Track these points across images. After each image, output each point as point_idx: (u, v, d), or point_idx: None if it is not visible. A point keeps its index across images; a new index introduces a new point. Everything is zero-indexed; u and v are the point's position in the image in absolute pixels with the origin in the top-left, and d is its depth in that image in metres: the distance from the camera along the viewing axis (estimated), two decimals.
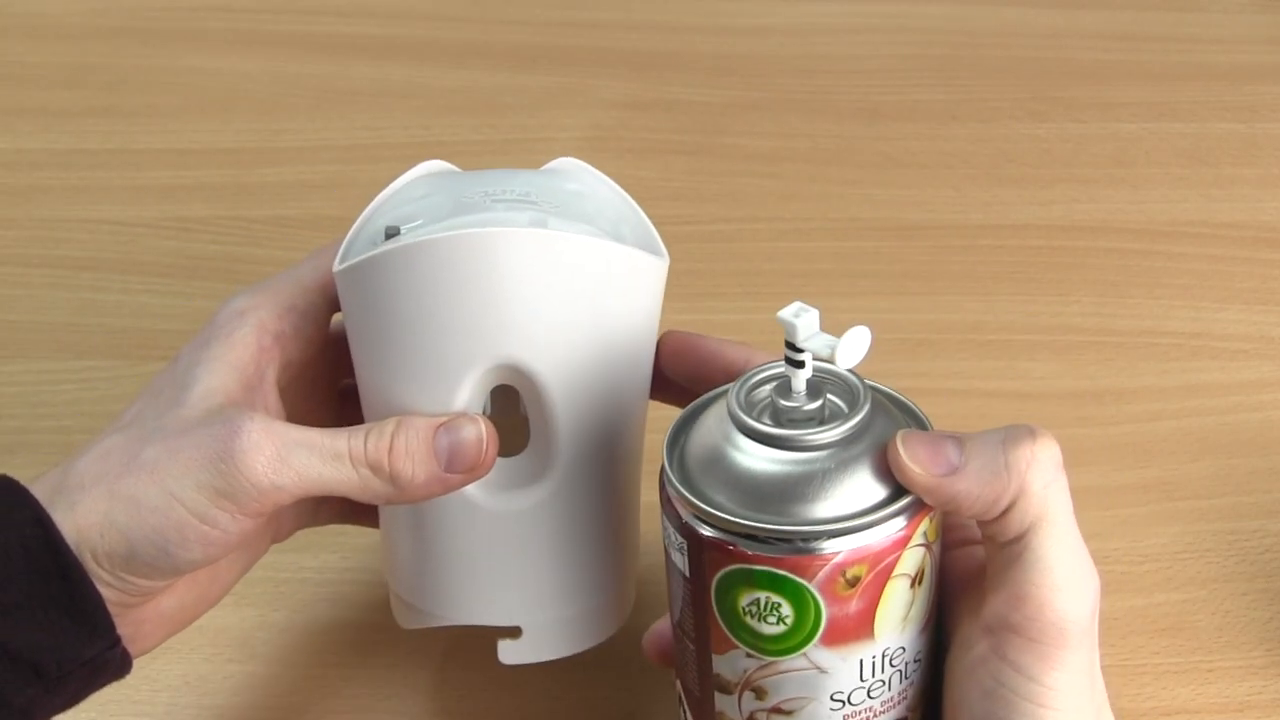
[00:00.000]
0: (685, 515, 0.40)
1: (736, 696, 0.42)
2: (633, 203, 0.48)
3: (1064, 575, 0.39)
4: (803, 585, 0.39)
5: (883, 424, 0.41)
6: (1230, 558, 0.60)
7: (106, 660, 0.42)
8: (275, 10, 0.97)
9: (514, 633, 0.48)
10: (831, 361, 0.39)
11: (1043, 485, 0.39)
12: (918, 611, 0.41)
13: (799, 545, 0.39)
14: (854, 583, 0.39)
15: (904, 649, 0.41)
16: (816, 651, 0.40)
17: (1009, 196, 0.80)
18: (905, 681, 0.42)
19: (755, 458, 0.40)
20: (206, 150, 0.84)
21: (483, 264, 0.42)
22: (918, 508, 0.39)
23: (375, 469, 0.43)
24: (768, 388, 0.41)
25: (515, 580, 0.47)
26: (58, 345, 0.71)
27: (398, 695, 0.55)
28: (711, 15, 0.97)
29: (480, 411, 0.45)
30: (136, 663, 0.55)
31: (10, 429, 0.66)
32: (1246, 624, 0.57)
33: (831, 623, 0.39)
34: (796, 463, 0.39)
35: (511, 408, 0.46)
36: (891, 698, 0.41)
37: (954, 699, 0.41)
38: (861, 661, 0.40)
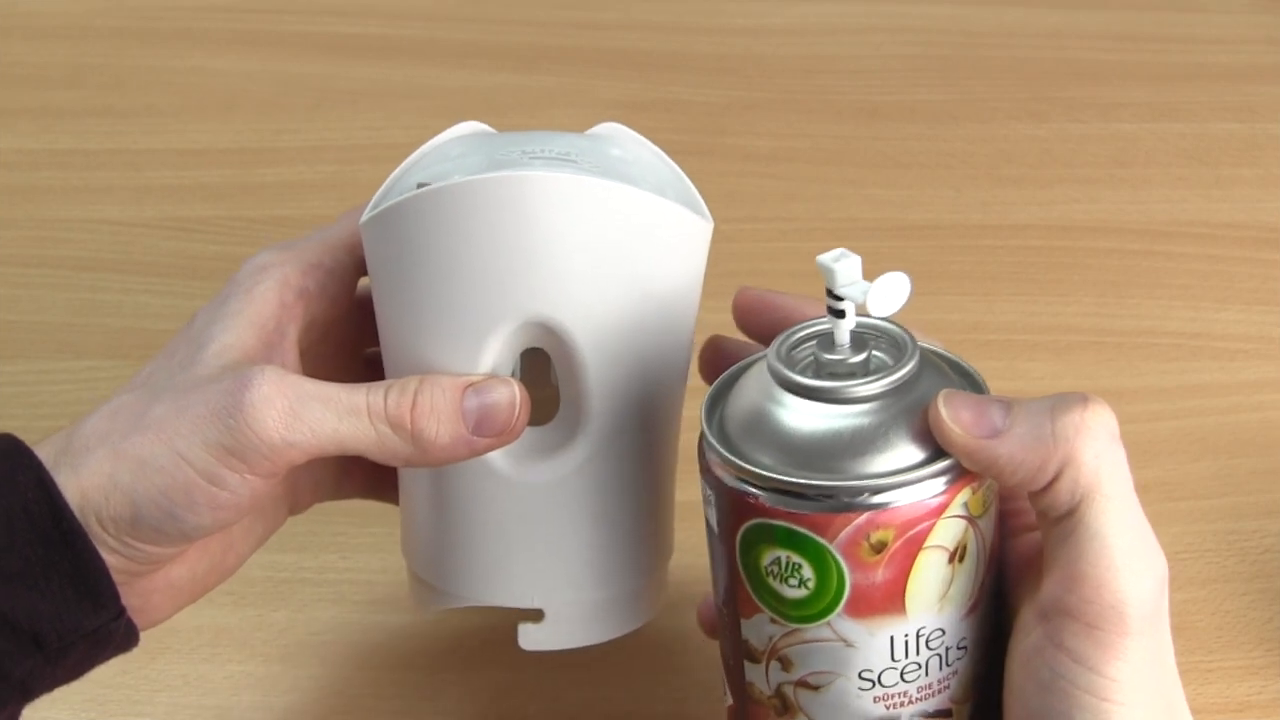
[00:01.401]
0: (713, 465, 0.39)
1: (764, 666, 0.40)
2: (678, 170, 0.46)
3: (1123, 553, 0.36)
4: (823, 546, 0.37)
5: (931, 384, 0.38)
6: (1230, 558, 0.60)
7: (110, 632, 0.40)
8: (275, 10, 0.97)
9: (535, 616, 0.45)
10: (864, 308, 0.37)
11: (1094, 455, 0.36)
12: (959, 591, 0.38)
13: (818, 501, 0.37)
14: (879, 548, 0.37)
15: (943, 631, 0.39)
16: (841, 622, 0.38)
17: (1009, 196, 0.80)
18: (947, 669, 0.39)
19: (790, 410, 0.38)
20: (206, 150, 0.84)
21: (515, 210, 0.40)
22: (958, 475, 0.37)
23: (396, 426, 0.40)
24: (813, 344, 0.40)
25: (538, 558, 0.44)
26: (58, 345, 0.71)
27: (398, 695, 0.55)
28: (711, 15, 0.97)
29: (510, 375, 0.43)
30: (136, 663, 0.55)
31: (10, 429, 0.66)
32: (1246, 624, 0.57)
33: (856, 591, 0.37)
34: (830, 416, 0.37)
35: (542, 378, 0.44)
36: (930, 684, 0.39)
37: (1011, 691, 0.38)
38: (893, 639, 0.38)
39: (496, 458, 0.43)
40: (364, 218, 0.43)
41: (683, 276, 0.44)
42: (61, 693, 0.54)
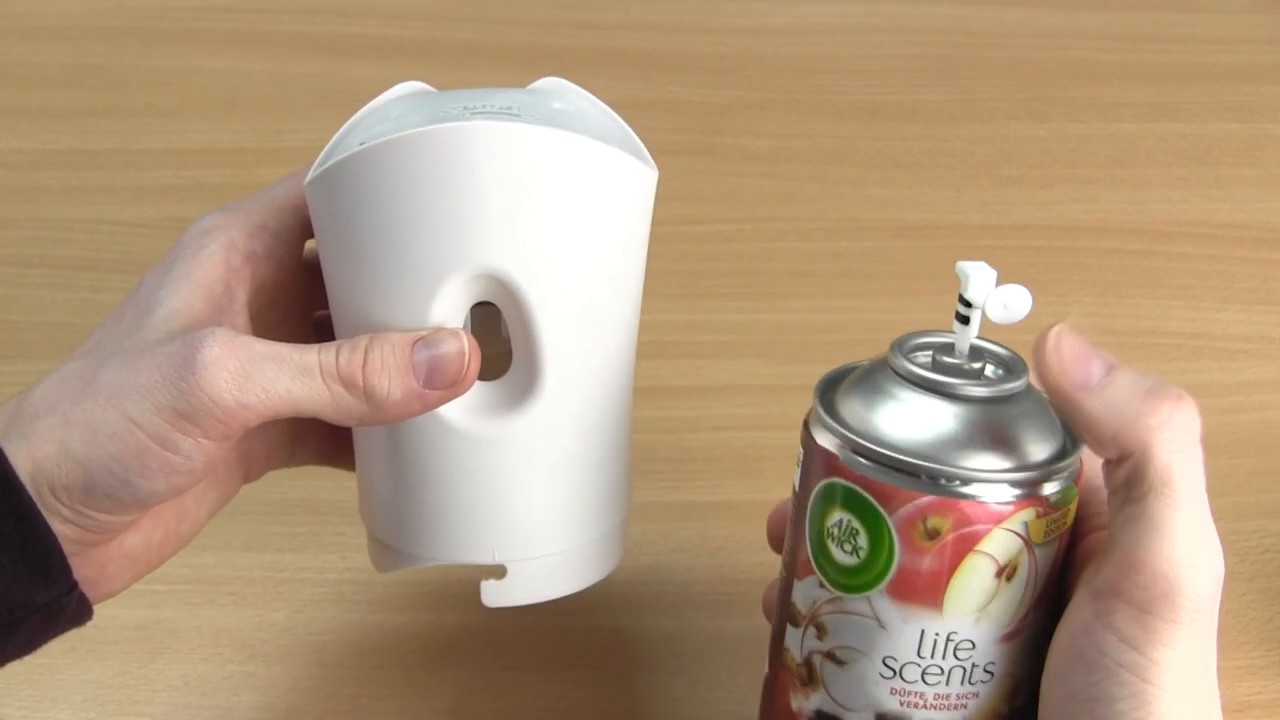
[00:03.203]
0: (810, 423, 0.41)
1: (802, 631, 0.41)
2: (621, 121, 0.46)
3: (1183, 547, 0.37)
4: (882, 516, 0.38)
5: (1032, 406, 0.40)
6: (1230, 558, 0.59)
7: (62, 607, 0.40)
8: (276, 10, 0.97)
9: (498, 573, 0.45)
10: (983, 311, 0.40)
11: (1171, 451, 0.37)
12: (1000, 610, 0.39)
13: (889, 471, 0.38)
14: (933, 535, 0.38)
15: (973, 644, 0.39)
16: (880, 599, 0.39)
17: (1009, 196, 0.80)
18: (968, 686, 0.40)
19: (894, 395, 0.40)
20: (206, 150, 0.84)
21: (457, 162, 0.40)
22: (1027, 493, 0.38)
23: (348, 385, 0.40)
24: (929, 353, 0.42)
25: (496, 513, 0.44)
26: (58, 345, 0.71)
27: (398, 695, 0.55)
28: (711, 15, 0.97)
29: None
30: (137, 662, 0.55)
31: None
32: (1246, 624, 0.57)
33: (901, 572, 0.39)
34: (929, 407, 0.39)
35: (494, 334, 0.44)
36: (947, 695, 0.40)
37: (1053, 672, 0.39)
38: (923, 632, 0.39)
39: (451, 414, 0.43)
40: (308, 178, 0.42)
41: (629, 225, 0.43)
42: (61, 692, 0.54)
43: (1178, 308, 0.72)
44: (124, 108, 0.88)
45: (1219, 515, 0.61)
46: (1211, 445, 0.65)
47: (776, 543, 0.46)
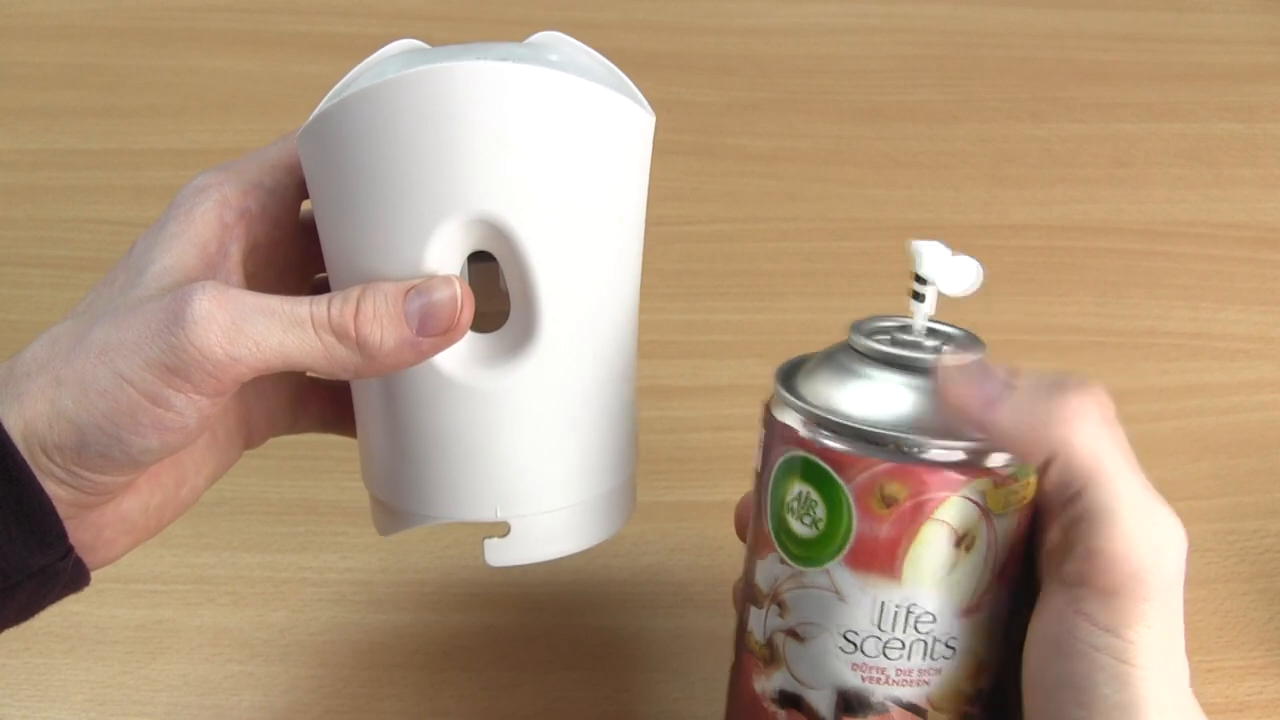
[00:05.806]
0: (771, 403, 0.42)
1: (765, 611, 0.42)
2: (618, 71, 0.45)
3: (1135, 525, 0.37)
4: (840, 486, 0.39)
5: None
6: (1230, 558, 0.60)
7: (58, 571, 0.39)
8: (275, 10, 0.97)
9: (501, 532, 0.44)
10: (936, 285, 0.40)
11: (1088, 439, 0.37)
12: (959, 581, 0.39)
13: (845, 439, 0.39)
14: (890, 503, 0.39)
15: (933, 617, 0.39)
16: (839, 570, 0.39)
17: (1009, 196, 0.80)
18: (929, 661, 0.40)
19: (852, 370, 0.41)
20: (206, 150, 0.84)
21: (441, 103, 0.39)
22: (982, 460, 0.39)
23: (340, 335, 0.39)
24: (887, 335, 0.42)
25: (497, 468, 0.43)
26: None
27: (398, 695, 0.55)
28: (711, 15, 0.97)
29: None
30: (137, 662, 0.55)
31: None
32: (1246, 624, 0.57)
33: (859, 540, 0.39)
34: (887, 379, 0.40)
35: (492, 292, 0.43)
36: (909, 670, 0.40)
37: (1031, 665, 0.39)
38: (883, 604, 0.39)
39: (449, 366, 0.42)
40: (299, 131, 0.42)
41: (626, 169, 0.43)
42: (61, 692, 0.54)
43: (1178, 308, 0.72)
44: (124, 108, 0.88)
45: (1219, 515, 0.62)
46: (1211, 445, 0.65)
47: (743, 531, 0.46)
